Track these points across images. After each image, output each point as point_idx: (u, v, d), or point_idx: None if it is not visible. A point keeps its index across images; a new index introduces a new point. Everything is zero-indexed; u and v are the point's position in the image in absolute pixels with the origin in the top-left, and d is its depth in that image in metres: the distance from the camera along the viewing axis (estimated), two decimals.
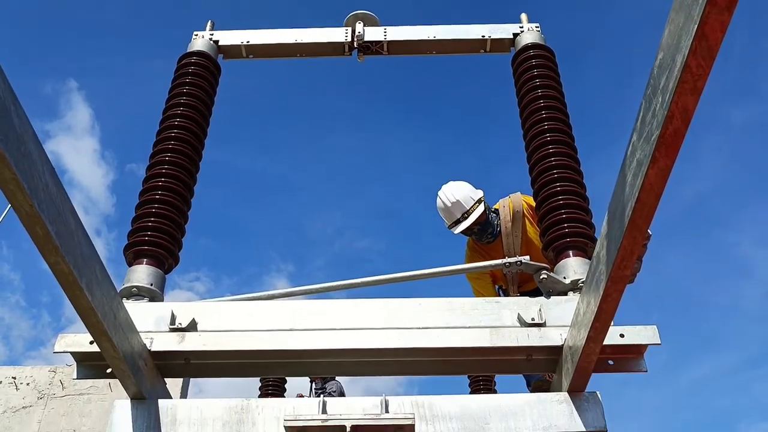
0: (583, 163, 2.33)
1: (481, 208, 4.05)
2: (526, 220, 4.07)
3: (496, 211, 4.19)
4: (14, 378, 7.83)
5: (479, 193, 4.18)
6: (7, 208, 7.77)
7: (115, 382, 7.45)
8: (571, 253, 2.07)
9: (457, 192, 4.14)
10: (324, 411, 1.78)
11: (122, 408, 1.86)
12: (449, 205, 4.09)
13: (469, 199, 4.09)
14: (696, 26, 0.99)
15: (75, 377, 1.96)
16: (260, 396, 4.36)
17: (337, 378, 6.90)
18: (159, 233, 2.13)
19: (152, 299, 2.04)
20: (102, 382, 7.74)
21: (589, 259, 2.00)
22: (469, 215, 4.05)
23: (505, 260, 2.12)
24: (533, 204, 2.48)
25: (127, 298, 2.03)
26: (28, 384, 7.78)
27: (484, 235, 4.17)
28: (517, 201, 4.08)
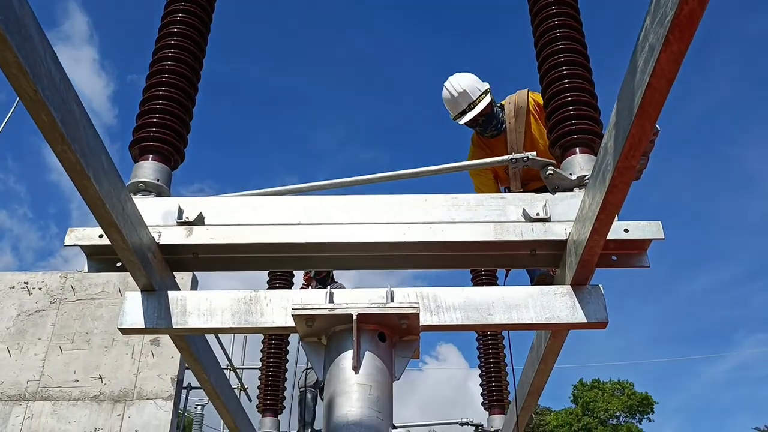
0: (593, 61, 2.29)
1: (487, 99, 4.06)
2: (531, 117, 4.07)
3: (502, 107, 4.20)
4: (26, 283, 8.00)
5: (485, 85, 4.19)
6: (8, 115, 7.72)
7: (125, 286, 7.61)
8: (577, 150, 2.06)
9: (464, 82, 4.15)
10: (331, 300, 1.82)
11: (133, 298, 1.90)
12: (455, 95, 4.10)
13: (475, 90, 4.11)
14: None
15: (86, 270, 1.98)
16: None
17: (342, 282, 7.03)
18: (164, 129, 2.12)
19: (159, 194, 2.05)
20: (112, 287, 7.91)
21: (596, 155, 1.99)
22: (475, 106, 4.08)
23: (512, 156, 2.11)
24: (541, 101, 2.46)
25: (134, 194, 2.04)
26: (40, 289, 7.97)
27: (489, 127, 4.19)
28: (522, 96, 4.09)
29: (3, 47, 1.15)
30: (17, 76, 1.21)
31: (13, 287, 7.97)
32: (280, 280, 4.39)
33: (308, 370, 5.02)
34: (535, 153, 2.09)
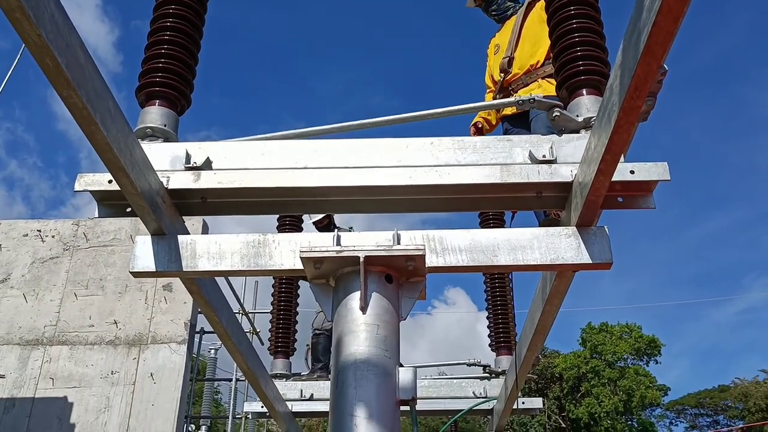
0: (602, 2, 2.25)
1: None
2: (538, 14, 4.23)
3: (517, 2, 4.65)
4: (39, 231, 8.09)
5: None
6: (15, 62, 7.68)
7: (137, 233, 7.67)
8: (584, 91, 2.04)
9: None
10: (338, 243, 1.84)
11: (144, 243, 1.93)
12: None
13: None
14: None
15: (96, 216, 2.01)
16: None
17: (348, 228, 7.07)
18: (170, 74, 2.12)
19: (167, 140, 2.06)
20: (124, 234, 7.99)
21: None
22: None
23: (518, 98, 2.10)
24: None
25: (142, 139, 2.05)
26: (53, 236, 8.05)
27: (489, 9, 4.72)
28: None
29: None
30: (21, 20, 1.21)
31: (27, 235, 8.06)
32: (290, 225, 4.42)
33: (320, 312, 5.07)
34: (541, 95, 2.08)
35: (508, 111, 4.23)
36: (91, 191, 1.95)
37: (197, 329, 10.26)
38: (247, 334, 10.63)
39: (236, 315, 8.46)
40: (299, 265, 1.82)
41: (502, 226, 4.26)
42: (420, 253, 1.72)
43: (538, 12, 4.20)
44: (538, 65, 3.99)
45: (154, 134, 2.06)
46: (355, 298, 1.73)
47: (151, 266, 1.90)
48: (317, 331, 4.62)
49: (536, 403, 4.47)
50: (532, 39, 4.11)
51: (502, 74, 4.19)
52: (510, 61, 4.15)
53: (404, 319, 1.78)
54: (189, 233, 2.04)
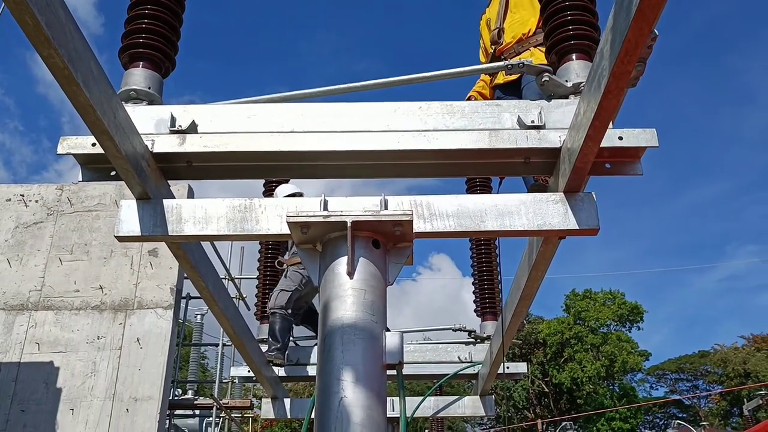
0: None
1: None
2: None
3: None
4: (23, 195, 8.01)
5: None
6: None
7: (122, 197, 7.62)
8: (574, 57, 2.02)
9: None
10: (325, 208, 1.83)
11: (129, 207, 1.91)
12: None
13: None
14: None
15: (80, 180, 1.98)
16: None
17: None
18: (154, 35, 2.07)
19: (151, 102, 2.03)
20: (109, 200, 7.93)
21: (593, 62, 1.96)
22: None
23: (507, 62, 2.08)
24: None
25: (126, 102, 2.02)
26: (36, 201, 7.98)
27: None
28: None
29: None
30: None
31: (9, 200, 7.98)
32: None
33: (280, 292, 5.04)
34: (531, 59, 2.07)
35: (500, 80, 4.22)
36: (74, 154, 1.92)
37: (183, 294, 10.26)
38: (234, 299, 10.66)
39: (222, 280, 8.47)
40: (286, 230, 1.81)
41: (490, 192, 4.27)
42: (407, 218, 1.71)
43: None
44: (530, 33, 3.99)
45: (138, 97, 2.03)
46: (342, 263, 1.72)
47: (136, 230, 1.88)
48: (273, 310, 4.63)
49: (521, 368, 4.52)
50: (520, 8, 4.11)
51: (494, 46, 4.19)
52: (500, 32, 4.15)
53: (391, 284, 1.78)
54: (174, 197, 2.02)
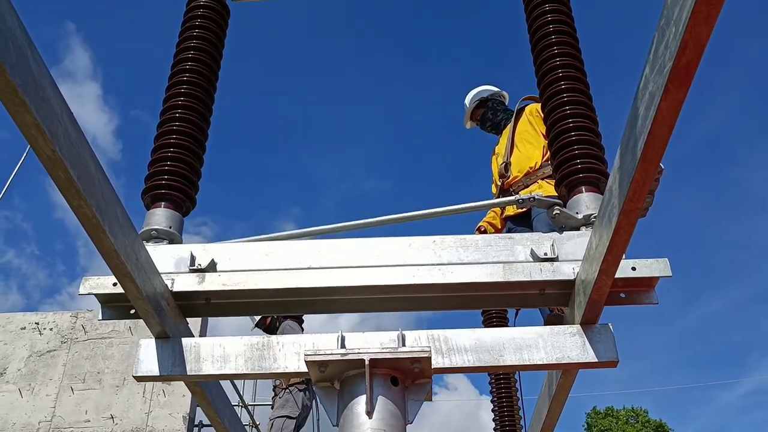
0: (596, 99, 2.32)
1: (473, 105, 5.06)
2: (527, 119, 4.43)
3: (507, 111, 4.96)
4: (37, 324, 8.03)
5: (483, 91, 5.09)
6: (18, 165, 7.82)
7: (136, 326, 7.64)
8: (583, 189, 2.08)
9: (472, 92, 5.10)
10: (343, 345, 1.83)
11: (148, 346, 1.92)
12: (465, 103, 5.13)
13: (470, 99, 5.07)
14: None
15: (100, 318, 2.00)
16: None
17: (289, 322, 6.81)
18: (176, 176, 2.16)
19: (171, 241, 2.08)
20: (123, 326, 7.93)
21: (602, 194, 2.01)
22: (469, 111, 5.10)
23: (518, 197, 2.14)
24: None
25: (147, 241, 2.07)
26: (51, 329, 7.99)
27: (485, 126, 5.05)
28: (529, 106, 4.60)
29: (22, 110, 1.19)
30: (36, 136, 1.25)
31: (24, 328, 8.00)
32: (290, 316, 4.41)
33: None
34: (541, 193, 2.13)
35: (510, 212, 4.32)
36: (95, 294, 1.95)
37: (196, 422, 10.04)
38: (247, 427, 10.39)
39: (235, 408, 8.29)
40: (304, 368, 1.80)
41: (505, 323, 4.26)
42: (426, 355, 1.71)
43: (527, 117, 4.47)
44: (536, 167, 4.13)
45: (159, 236, 2.08)
46: (360, 402, 1.71)
47: (155, 370, 1.88)
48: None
49: None
50: (525, 143, 4.31)
51: (501, 179, 4.35)
52: (507, 165, 4.33)
53: (411, 423, 1.75)
54: (192, 334, 2.04)
